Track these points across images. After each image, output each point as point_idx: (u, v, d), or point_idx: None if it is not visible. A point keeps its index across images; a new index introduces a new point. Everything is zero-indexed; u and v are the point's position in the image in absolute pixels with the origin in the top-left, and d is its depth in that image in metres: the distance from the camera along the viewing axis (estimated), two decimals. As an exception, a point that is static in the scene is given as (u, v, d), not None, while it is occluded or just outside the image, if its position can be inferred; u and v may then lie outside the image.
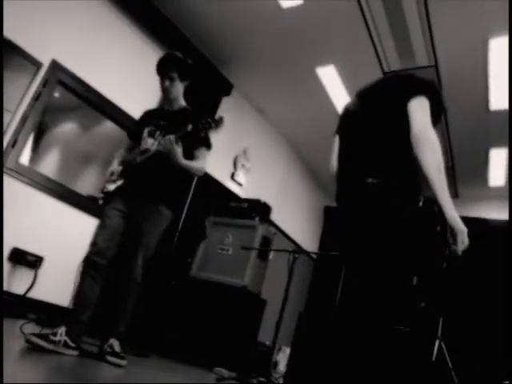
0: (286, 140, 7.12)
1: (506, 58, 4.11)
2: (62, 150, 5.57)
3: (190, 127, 2.56)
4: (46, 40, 3.85)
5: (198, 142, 2.75)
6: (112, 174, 2.79)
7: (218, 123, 2.60)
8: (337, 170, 1.93)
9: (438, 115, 1.77)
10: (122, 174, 2.80)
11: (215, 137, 5.46)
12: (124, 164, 2.84)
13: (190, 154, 2.74)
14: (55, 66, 3.92)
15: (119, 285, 2.64)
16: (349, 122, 1.97)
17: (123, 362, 2.47)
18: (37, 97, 3.79)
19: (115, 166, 2.83)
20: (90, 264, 2.50)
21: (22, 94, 3.68)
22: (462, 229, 1.57)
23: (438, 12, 3.89)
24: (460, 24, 3.98)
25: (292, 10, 4.31)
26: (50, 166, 5.32)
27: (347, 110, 2.04)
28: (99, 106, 4.36)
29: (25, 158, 4.13)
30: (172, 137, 2.58)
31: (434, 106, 1.70)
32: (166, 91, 2.85)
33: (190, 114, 2.80)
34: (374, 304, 1.59)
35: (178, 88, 2.87)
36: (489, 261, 5.85)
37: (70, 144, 5.61)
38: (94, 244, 2.55)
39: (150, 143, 2.75)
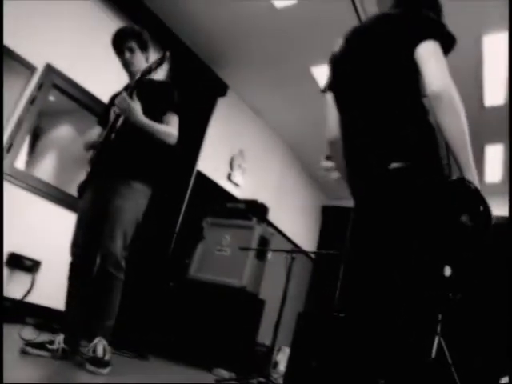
0: (282, 140, 7.12)
1: (500, 54, 4.12)
2: (58, 153, 5.55)
3: (137, 76, 2.41)
4: (40, 44, 3.84)
5: (163, 106, 2.52)
6: (87, 145, 2.58)
7: (162, 59, 2.38)
8: (344, 144, 1.61)
9: (449, 48, 1.53)
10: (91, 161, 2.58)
11: (212, 138, 5.47)
12: (93, 148, 2.60)
13: (157, 121, 2.51)
14: (50, 69, 3.91)
15: (100, 272, 2.38)
16: (344, 76, 1.64)
17: (104, 371, 2.12)
18: (32, 101, 3.78)
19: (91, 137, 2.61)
20: (76, 268, 2.42)
21: (16, 98, 3.67)
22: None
23: (431, 10, 3.89)
24: (453, 21, 3.97)
25: (286, 9, 4.31)
26: (46, 169, 5.30)
27: (338, 61, 1.67)
28: (95, 109, 4.34)
29: (20, 162, 4.12)
30: (124, 93, 2.39)
31: (444, 42, 1.46)
32: (127, 64, 2.61)
33: (153, 82, 2.61)
34: (387, 302, 1.42)
35: (140, 59, 2.63)
36: (486, 256, 5.85)
37: (65, 148, 5.59)
38: (75, 245, 2.42)
39: None
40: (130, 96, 2.37)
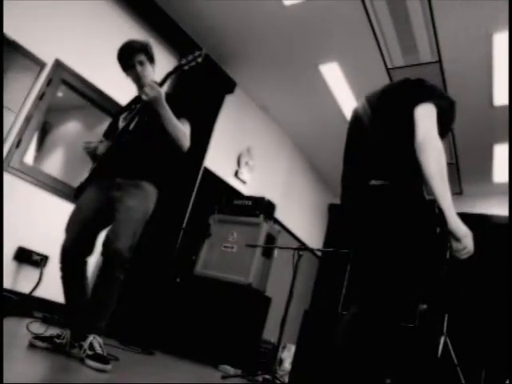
0: (289, 137, 7.11)
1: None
2: (66, 149, 5.58)
3: (172, 68, 2.42)
4: (49, 40, 3.86)
5: (177, 110, 2.51)
6: (89, 146, 2.54)
7: (200, 55, 2.40)
8: (342, 171, 1.92)
9: (448, 124, 1.75)
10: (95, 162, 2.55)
11: (219, 135, 5.47)
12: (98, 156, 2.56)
13: None
14: (59, 65, 3.93)
15: (104, 272, 2.29)
16: (357, 126, 1.96)
17: (107, 367, 2.06)
18: (41, 96, 3.80)
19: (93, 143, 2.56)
20: (65, 267, 2.38)
21: (25, 93, 3.69)
22: (464, 234, 1.55)
23: (441, 7, 3.87)
24: (463, 19, 3.96)
25: (294, 7, 4.30)
26: (54, 165, 5.33)
27: (356, 115, 2.01)
28: (103, 104, 4.37)
29: (29, 157, 4.14)
30: (152, 82, 2.40)
31: (443, 114, 1.68)
32: (139, 78, 2.59)
33: (168, 94, 2.58)
34: (378, 301, 1.60)
35: (150, 71, 2.63)
36: (493, 257, 5.83)
37: (73, 143, 5.62)
38: (65, 245, 2.37)
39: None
40: (161, 85, 2.39)
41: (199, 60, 2.42)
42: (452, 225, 1.54)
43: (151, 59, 2.66)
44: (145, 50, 2.62)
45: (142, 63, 2.59)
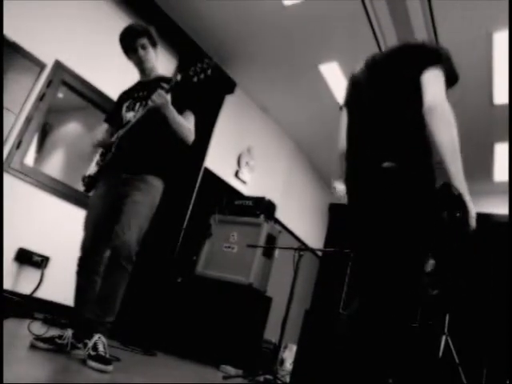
0: (290, 137, 7.11)
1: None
2: (67, 150, 5.58)
3: (179, 76, 2.39)
4: (49, 41, 3.86)
5: (182, 104, 2.52)
6: (97, 142, 2.59)
7: (209, 67, 2.37)
8: (346, 148, 1.81)
9: (453, 84, 1.68)
10: (102, 155, 2.57)
11: (220, 135, 5.47)
12: (104, 146, 2.59)
13: None
14: (59, 66, 3.93)
15: (111, 264, 2.33)
16: (358, 94, 1.85)
17: (108, 368, 2.04)
18: (41, 97, 3.80)
19: (100, 136, 2.60)
20: (81, 263, 2.42)
21: (26, 94, 3.69)
22: (474, 215, 1.50)
23: (441, 7, 3.87)
24: (463, 19, 3.96)
25: (294, 7, 4.30)
26: (54, 166, 5.33)
27: (355, 81, 1.89)
28: (103, 105, 4.36)
29: (29, 158, 4.14)
30: (160, 90, 2.38)
31: (448, 75, 1.61)
32: (142, 61, 2.60)
33: (170, 80, 2.54)
34: (384, 296, 1.54)
35: (152, 55, 2.63)
36: (494, 256, 5.83)
37: (74, 144, 5.62)
38: (83, 242, 2.43)
39: (130, 116, 2.52)
40: (167, 92, 2.39)
41: (209, 73, 2.39)
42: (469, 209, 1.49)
43: (154, 44, 2.65)
44: (148, 33, 2.61)
45: (144, 47, 2.59)
